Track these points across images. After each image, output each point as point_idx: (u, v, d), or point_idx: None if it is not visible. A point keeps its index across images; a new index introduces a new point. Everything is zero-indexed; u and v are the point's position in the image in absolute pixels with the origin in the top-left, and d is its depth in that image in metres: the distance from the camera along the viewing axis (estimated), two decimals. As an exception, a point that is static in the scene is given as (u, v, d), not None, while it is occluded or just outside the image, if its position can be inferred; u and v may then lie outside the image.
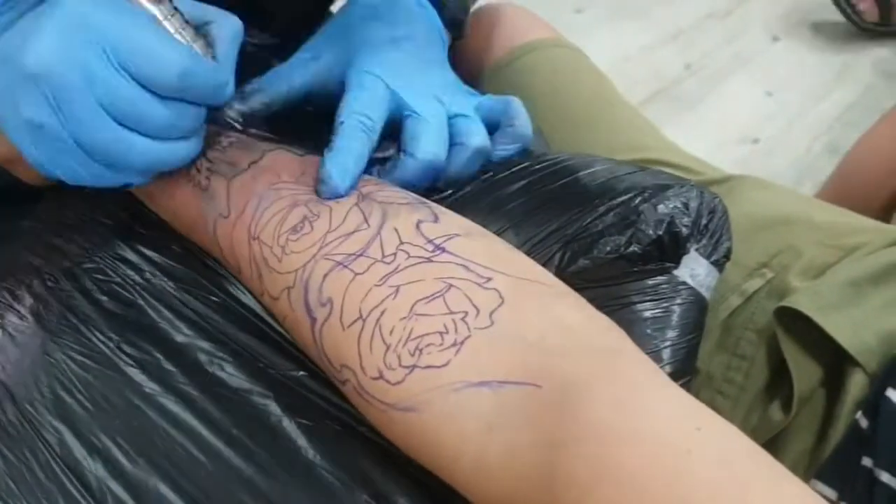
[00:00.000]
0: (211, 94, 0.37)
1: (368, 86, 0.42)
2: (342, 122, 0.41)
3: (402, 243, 0.35)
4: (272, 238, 0.37)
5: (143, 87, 0.34)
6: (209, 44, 0.38)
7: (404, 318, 0.33)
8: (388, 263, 0.34)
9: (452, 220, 0.37)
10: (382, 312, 0.33)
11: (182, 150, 0.38)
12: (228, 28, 0.38)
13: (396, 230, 0.35)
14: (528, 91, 0.76)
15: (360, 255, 0.35)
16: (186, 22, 0.37)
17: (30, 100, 0.33)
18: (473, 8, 0.81)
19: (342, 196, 0.38)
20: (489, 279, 0.33)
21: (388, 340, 0.32)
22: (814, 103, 1.50)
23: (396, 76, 0.43)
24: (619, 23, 1.59)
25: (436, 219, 0.36)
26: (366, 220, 0.36)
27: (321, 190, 0.39)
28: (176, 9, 0.37)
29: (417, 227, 0.36)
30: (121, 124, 0.35)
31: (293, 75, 0.45)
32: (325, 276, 0.35)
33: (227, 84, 0.38)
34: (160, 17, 0.36)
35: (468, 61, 0.79)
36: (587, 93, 0.76)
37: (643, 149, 0.69)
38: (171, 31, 0.36)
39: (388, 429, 0.34)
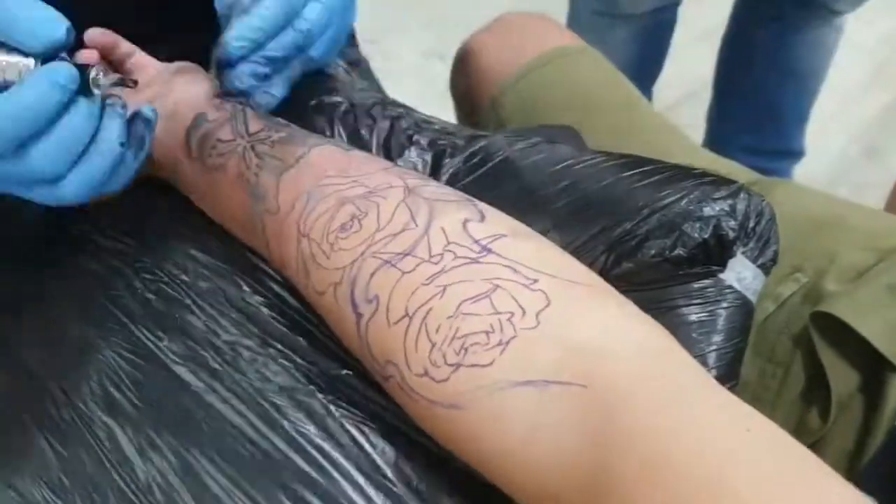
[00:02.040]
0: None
1: None
2: None
3: (448, 243, 0.35)
4: (321, 235, 0.38)
5: None
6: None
7: (451, 316, 0.33)
8: (436, 263, 0.34)
9: (499, 220, 0.37)
10: (429, 311, 0.33)
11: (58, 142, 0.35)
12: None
13: (443, 230, 0.36)
14: (551, 100, 0.76)
15: (408, 254, 0.35)
16: None
17: None
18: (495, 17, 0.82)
19: (233, 58, 0.42)
20: (535, 280, 0.33)
21: (434, 338, 0.33)
22: (850, 105, 1.49)
23: None
24: (650, 25, 1.57)
25: (482, 218, 0.36)
26: (413, 219, 0.36)
27: (215, 53, 0.42)
28: None
29: (464, 226, 0.36)
30: None
31: None
32: (373, 273, 0.35)
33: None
34: None
35: (489, 71, 0.79)
36: (611, 99, 0.76)
37: (668, 155, 0.69)
38: None
39: (431, 425, 0.34)
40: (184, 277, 0.43)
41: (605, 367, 0.30)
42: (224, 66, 0.44)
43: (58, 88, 0.34)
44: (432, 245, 0.35)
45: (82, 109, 0.36)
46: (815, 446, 0.53)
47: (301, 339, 0.40)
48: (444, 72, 0.88)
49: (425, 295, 0.34)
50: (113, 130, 0.38)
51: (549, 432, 0.30)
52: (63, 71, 0.34)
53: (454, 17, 1.60)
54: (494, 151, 0.46)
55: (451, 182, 0.45)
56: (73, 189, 0.37)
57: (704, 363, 0.39)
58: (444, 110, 0.82)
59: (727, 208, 0.41)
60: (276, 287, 0.42)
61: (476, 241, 0.35)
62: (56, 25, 0.35)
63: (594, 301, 0.34)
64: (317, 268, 0.37)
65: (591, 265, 0.40)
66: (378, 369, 0.35)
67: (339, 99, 0.50)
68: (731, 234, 0.40)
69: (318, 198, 0.39)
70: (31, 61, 0.34)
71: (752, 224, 0.41)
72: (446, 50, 0.88)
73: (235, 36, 0.43)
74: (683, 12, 1.21)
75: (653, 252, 0.40)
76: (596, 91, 0.77)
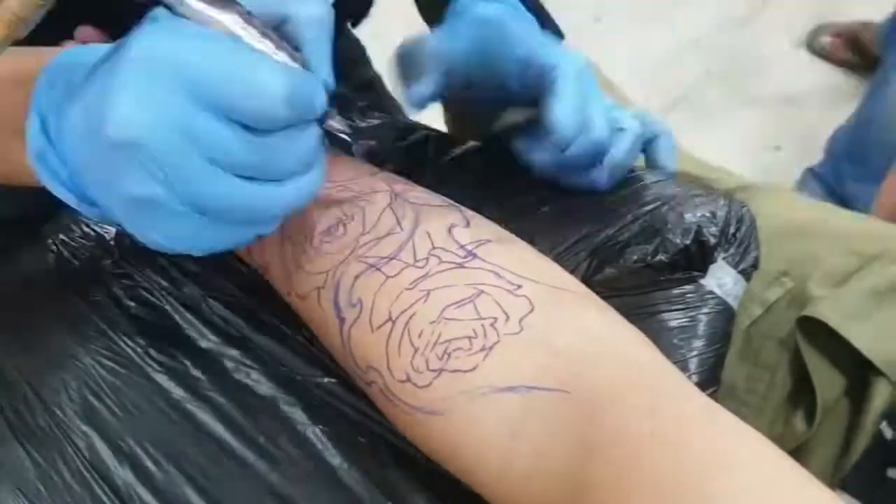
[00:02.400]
0: (318, 109, 0.30)
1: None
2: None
3: (433, 248, 0.35)
4: (305, 239, 0.37)
5: (249, 128, 0.29)
6: (294, 46, 0.31)
7: (433, 321, 0.33)
8: (420, 268, 0.34)
9: (484, 226, 0.37)
10: (412, 316, 0.33)
11: (310, 184, 0.31)
12: (311, 16, 0.31)
13: (429, 234, 0.36)
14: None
15: (393, 258, 0.35)
16: (266, 28, 0.30)
17: (129, 174, 0.28)
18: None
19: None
20: (519, 286, 0.33)
21: (417, 344, 0.33)
22: (837, 110, 1.49)
23: None
24: (639, 30, 1.58)
25: (467, 223, 0.36)
26: (398, 224, 0.36)
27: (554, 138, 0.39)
28: (250, 13, 0.30)
29: (449, 231, 0.36)
30: (238, 176, 0.29)
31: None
32: (357, 277, 0.35)
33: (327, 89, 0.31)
34: (237, 29, 0.29)
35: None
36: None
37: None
38: (254, 44, 0.29)
39: (413, 432, 0.34)
40: (164, 284, 0.42)
41: (588, 373, 0.30)
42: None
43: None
44: (417, 249, 0.35)
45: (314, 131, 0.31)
46: (801, 450, 0.53)
47: (283, 346, 0.40)
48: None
49: (409, 299, 0.34)
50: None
51: (531, 439, 0.30)
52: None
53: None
54: (479, 157, 0.46)
55: (434, 186, 0.45)
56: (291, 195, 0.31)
57: (685, 368, 0.39)
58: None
59: (708, 214, 0.41)
60: (259, 293, 0.42)
61: (461, 246, 0.35)
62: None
63: (577, 307, 0.34)
64: (299, 271, 0.37)
65: (573, 270, 0.40)
66: (360, 375, 0.35)
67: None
68: (712, 240, 0.41)
69: None
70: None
71: (732, 230, 0.41)
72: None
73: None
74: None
75: (635, 258, 0.40)
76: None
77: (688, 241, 0.40)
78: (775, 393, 0.56)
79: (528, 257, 0.36)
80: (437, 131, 0.50)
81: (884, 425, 0.48)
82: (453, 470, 0.33)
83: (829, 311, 0.52)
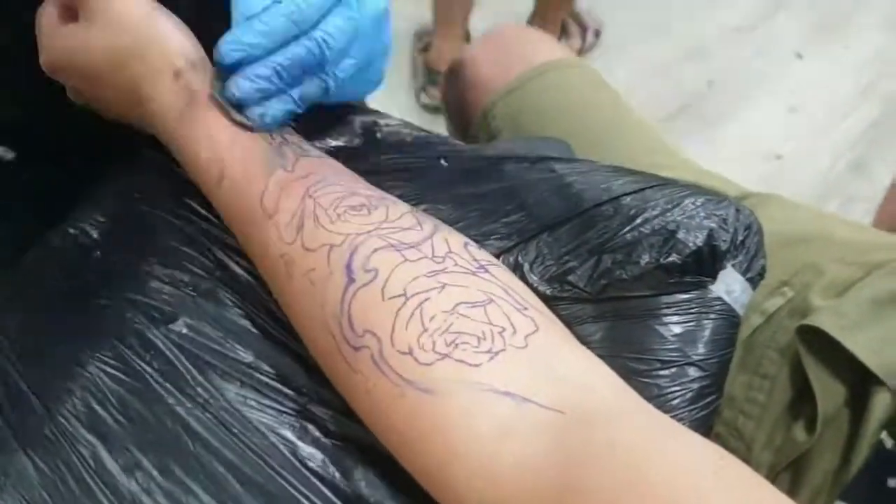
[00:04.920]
0: None
1: None
2: None
3: (450, 251, 0.36)
4: (330, 204, 0.38)
5: None
6: None
7: (447, 311, 0.33)
8: (438, 263, 0.35)
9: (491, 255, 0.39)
10: (426, 299, 0.34)
11: None
12: None
13: (447, 241, 0.37)
14: (542, 112, 0.76)
15: (413, 247, 0.36)
16: None
17: None
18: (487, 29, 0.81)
19: (226, 63, 0.39)
20: (525, 308, 0.35)
21: (427, 325, 0.33)
22: (838, 120, 1.50)
23: None
24: (642, 39, 1.59)
25: (478, 246, 0.38)
26: (419, 224, 0.38)
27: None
28: None
29: (465, 246, 0.37)
30: None
31: None
32: (376, 249, 0.36)
33: None
34: None
35: (481, 83, 0.79)
36: (602, 113, 0.77)
37: (657, 168, 0.69)
38: None
39: (393, 408, 0.33)
40: (168, 291, 0.42)
41: (585, 399, 0.32)
42: (222, 73, 0.40)
43: None
44: (436, 247, 0.36)
45: None
46: (802, 459, 0.53)
47: (287, 358, 0.40)
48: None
49: (425, 285, 0.34)
50: None
51: (520, 440, 0.30)
52: None
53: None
54: (485, 156, 0.46)
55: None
56: None
57: (687, 374, 0.39)
58: (434, 125, 0.82)
59: (720, 219, 0.41)
60: (272, 307, 0.41)
61: (475, 259, 0.37)
62: None
63: (574, 341, 0.36)
64: (316, 226, 0.37)
65: (580, 271, 0.41)
66: (350, 338, 0.35)
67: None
68: (724, 246, 0.41)
69: (334, 181, 0.40)
70: None
71: (741, 237, 0.41)
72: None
73: (229, 40, 0.39)
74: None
75: (646, 259, 0.40)
76: (586, 104, 0.77)
77: (700, 243, 0.40)
78: (775, 402, 0.56)
79: (530, 291, 0.38)
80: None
81: (884, 435, 0.48)
82: (427, 460, 0.33)
83: (830, 320, 0.52)
